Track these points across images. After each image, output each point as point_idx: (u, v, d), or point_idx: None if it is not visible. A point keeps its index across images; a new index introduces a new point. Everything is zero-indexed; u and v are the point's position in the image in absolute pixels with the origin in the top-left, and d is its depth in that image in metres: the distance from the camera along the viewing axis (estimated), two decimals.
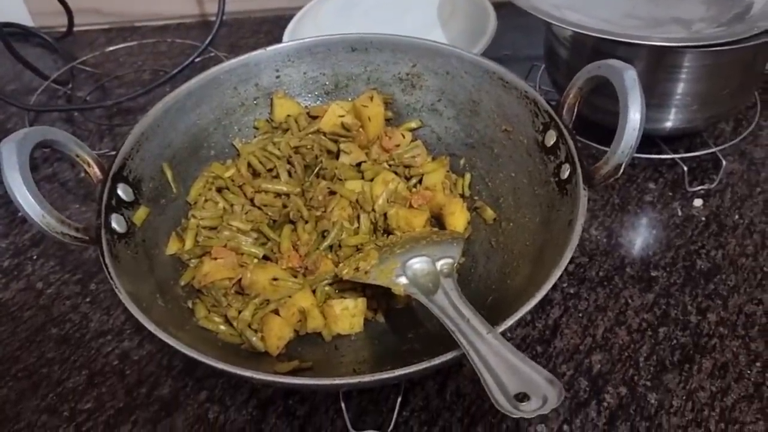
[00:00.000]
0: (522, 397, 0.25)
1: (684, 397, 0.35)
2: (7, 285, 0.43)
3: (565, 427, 0.34)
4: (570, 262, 0.40)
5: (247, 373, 0.28)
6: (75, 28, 0.65)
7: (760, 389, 0.35)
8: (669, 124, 0.45)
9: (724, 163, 0.46)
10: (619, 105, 0.34)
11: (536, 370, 0.26)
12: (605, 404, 0.35)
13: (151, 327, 0.30)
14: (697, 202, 0.45)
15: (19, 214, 0.47)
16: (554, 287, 0.38)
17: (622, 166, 0.34)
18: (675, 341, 0.37)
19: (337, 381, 0.30)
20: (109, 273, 0.32)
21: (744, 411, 0.34)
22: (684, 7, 0.44)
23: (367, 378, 0.28)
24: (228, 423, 0.35)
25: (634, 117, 0.34)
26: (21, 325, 0.41)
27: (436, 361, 0.28)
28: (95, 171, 0.36)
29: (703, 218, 0.44)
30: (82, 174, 0.51)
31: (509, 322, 0.29)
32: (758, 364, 0.36)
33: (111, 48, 0.63)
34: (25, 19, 0.66)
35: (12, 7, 0.64)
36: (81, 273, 0.44)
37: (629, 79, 0.34)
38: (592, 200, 0.46)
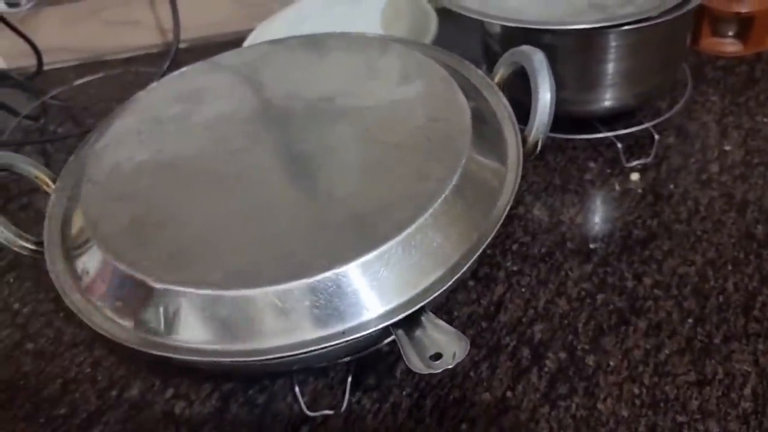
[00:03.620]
0: (436, 358, 0.27)
1: (620, 357, 0.37)
2: None
3: (509, 393, 0.36)
4: (513, 242, 0.42)
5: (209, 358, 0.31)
6: (45, 67, 0.68)
7: (692, 343, 0.37)
8: (602, 104, 0.47)
9: (657, 137, 0.48)
10: (530, 86, 0.36)
11: (446, 331, 0.28)
12: (546, 369, 0.37)
13: (100, 330, 0.32)
14: (634, 176, 0.47)
15: None
16: (498, 266, 0.41)
17: (539, 144, 0.36)
18: (612, 306, 0.39)
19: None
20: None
21: (676, 364, 0.36)
22: None
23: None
24: (194, 416, 0.37)
25: (544, 96, 0.36)
26: None
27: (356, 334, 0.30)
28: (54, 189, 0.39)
29: (640, 190, 0.46)
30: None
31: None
32: (690, 320, 0.38)
33: (80, 81, 0.66)
34: None
35: None
36: (55, 291, 0.46)
37: (537, 61, 0.36)
38: (535, 183, 0.48)
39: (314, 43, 0.46)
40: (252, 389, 0.38)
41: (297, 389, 0.36)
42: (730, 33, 0.56)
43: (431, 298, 0.30)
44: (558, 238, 0.44)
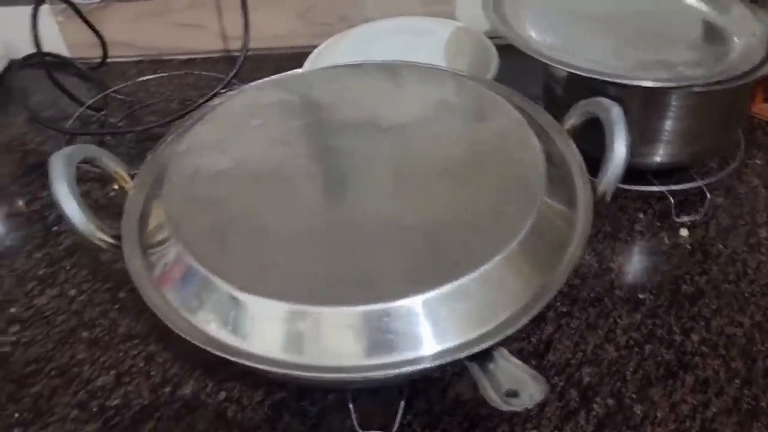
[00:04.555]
0: (512, 394, 0.28)
1: (667, 409, 0.38)
2: (43, 291, 0.47)
3: None
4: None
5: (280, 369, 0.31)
6: (108, 60, 0.70)
7: (739, 403, 0.38)
8: (657, 159, 0.49)
9: (709, 196, 0.49)
10: (605, 139, 0.38)
11: (523, 369, 0.29)
12: (593, 413, 0.38)
13: (176, 329, 0.33)
14: (683, 232, 0.48)
15: (54, 228, 0.52)
16: (548, 306, 0.42)
17: (608, 194, 0.38)
18: (660, 358, 0.40)
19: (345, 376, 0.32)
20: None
21: (723, 423, 0.37)
22: (668, 50, 0.48)
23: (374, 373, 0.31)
24: (245, 421, 0.38)
25: (619, 149, 0.37)
26: (54, 328, 0.44)
27: (439, 361, 0.31)
28: (131, 185, 0.40)
29: (689, 246, 0.47)
30: (112, 193, 0.55)
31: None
32: (737, 381, 0.39)
33: (142, 78, 0.68)
34: (61, 50, 0.71)
35: (49, 38, 0.68)
36: (111, 282, 0.47)
37: (615, 115, 0.37)
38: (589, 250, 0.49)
39: (390, 70, 0.47)
40: (305, 400, 0.39)
41: (351, 405, 0.37)
42: None
43: (505, 335, 0.31)
44: (607, 284, 0.45)
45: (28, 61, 0.64)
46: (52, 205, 0.36)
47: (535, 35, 0.50)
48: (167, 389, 0.40)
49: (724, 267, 0.46)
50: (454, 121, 0.42)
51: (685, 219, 0.49)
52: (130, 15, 0.70)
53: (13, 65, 0.70)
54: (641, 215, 0.50)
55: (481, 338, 0.31)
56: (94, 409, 0.39)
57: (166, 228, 0.36)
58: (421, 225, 0.35)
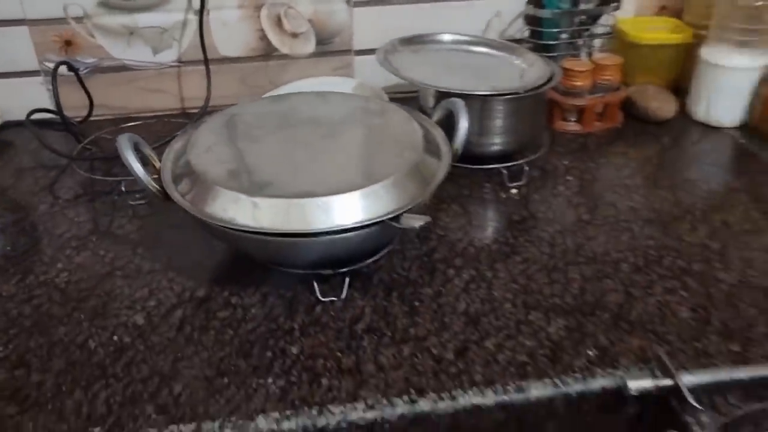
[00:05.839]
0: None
1: (506, 273, 0.62)
2: (79, 252, 0.65)
3: (441, 288, 0.60)
4: (444, 217, 0.67)
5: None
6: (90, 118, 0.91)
7: (547, 266, 0.63)
8: (494, 147, 0.76)
9: (527, 170, 0.77)
10: (455, 119, 0.64)
11: (414, 219, 0.53)
12: (463, 276, 0.61)
13: (199, 215, 0.54)
14: (513, 191, 0.75)
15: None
16: (430, 229, 0.66)
17: (459, 150, 0.63)
18: (502, 248, 0.65)
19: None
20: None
21: (536, 277, 0.62)
22: (494, 80, 0.77)
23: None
24: (244, 304, 0.58)
25: (462, 124, 0.64)
26: (95, 273, 0.63)
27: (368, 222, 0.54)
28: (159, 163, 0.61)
29: (517, 198, 0.74)
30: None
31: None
32: (545, 256, 0.64)
33: (121, 126, 0.89)
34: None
35: (42, 100, 0.89)
36: (130, 244, 0.66)
37: (460, 105, 0.64)
38: (452, 192, 0.75)
39: (321, 95, 0.73)
40: (282, 289, 0.60)
41: (315, 284, 0.59)
42: (572, 118, 0.89)
43: (404, 210, 0.54)
44: (468, 219, 0.70)
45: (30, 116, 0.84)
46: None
47: (413, 75, 0.77)
48: (186, 294, 0.60)
49: (539, 206, 0.72)
50: (368, 117, 0.68)
51: (514, 184, 0.76)
52: (107, 83, 0.92)
53: (6, 125, 0.89)
54: (487, 184, 0.76)
55: (392, 212, 0.54)
56: (138, 308, 0.58)
57: (194, 174, 0.58)
58: (353, 161, 0.59)
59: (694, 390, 0.48)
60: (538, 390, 0.49)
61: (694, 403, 0.46)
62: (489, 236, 0.68)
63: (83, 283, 0.61)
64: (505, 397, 0.49)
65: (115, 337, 0.55)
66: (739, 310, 0.57)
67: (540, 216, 0.71)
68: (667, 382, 0.48)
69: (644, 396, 0.49)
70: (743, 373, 0.49)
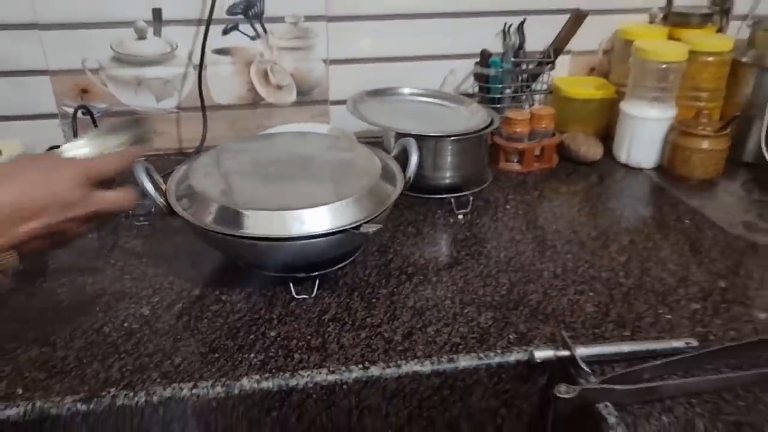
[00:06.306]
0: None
1: (448, 278, 0.76)
2: (95, 261, 0.78)
3: (394, 289, 0.73)
4: (402, 237, 0.81)
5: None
6: None
7: (485, 274, 0.77)
8: (445, 181, 0.91)
9: (472, 200, 0.91)
10: (408, 155, 0.79)
11: (370, 226, 0.67)
12: (413, 281, 0.75)
13: (199, 223, 0.67)
14: (460, 217, 0.89)
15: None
16: (389, 246, 0.80)
17: (411, 178, 0.78)
18: (446, 259, 0.79)
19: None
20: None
21: (473, 281, 0.75)
22: (443, 122, 0.93)
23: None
24: (233, 301, 0.71)
25: (414, 158, 0.78)
26: (106, 276, 0.75)
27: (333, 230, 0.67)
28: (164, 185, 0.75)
29: (463, 222, 0.88)
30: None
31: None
32: (486, 270, 0.78)
33: None
34: None
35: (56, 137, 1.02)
36: (135, 256, 0.79)
37: (411, 143, 0.79)
38: (409, 218, 0.89)
39: (300, 134, 0.88)
40: (263, 289, 0.73)
41: (291, 284, 0.72)
42: (514, 159, 1.04)
43: (361, 222, 0.68)
44: (422, 239, 0.84)
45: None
46: None
47: (377, 120, 0.92)
48: (184, 293, 0.72)
49: (479, 229, 0.87)
50: (337, 152, 0.82)
51: (461, 211, 0.90)
52: None
53: None
54: (439, 211, 0.91)
55: (353, 222, 0.68)
56: (144, 302, 0.71)
57: (194, 192, 0.71)
58: (323, 183, 0.73)
59: (588, 361, 0.61)
60: (465, 361, 0.62)
61: (585, 367, 0.59)
62: (437, 251, 0.82)
63: (98, 285, 0.74)
64: (439, 367, 0.62)
65: (126, 324, 0.67)
66: (633, 306, 0.71)
67: (480, 236, 0.85)
68: (565, 353, 0.61)
69: (548, 364, 0.62)
70: (626, 347, 0.63)
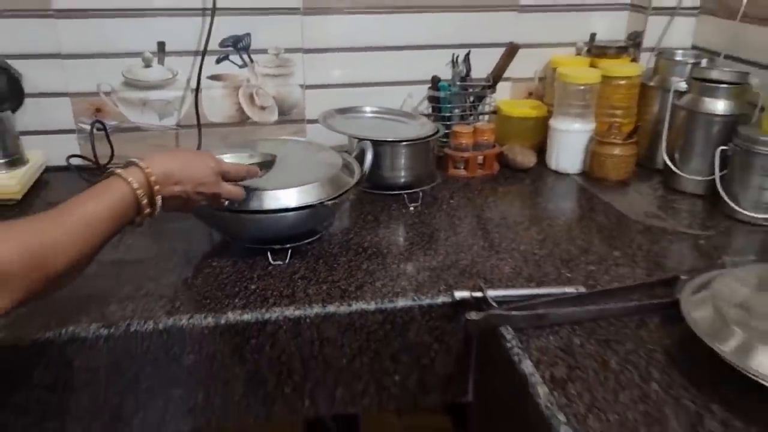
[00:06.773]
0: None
1: (394, 265, 0.94)
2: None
3: (353, 271, 0.91)
4: (361, 227, 1.00)
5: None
6: (108, 166, 1.23)
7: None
8: (400, 180, 1.10)
9: (421, 194, 1.10)
10: (365, 153, 0.98)
11: (338, 203, 0.85)
12: (366, 264, 0.93)
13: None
14: (411, 209, 1.08)
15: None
16: (347, 233, 0.98)
17: (366, 173, 0.97)
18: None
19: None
20: None
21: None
22: (397, 132, 1.12)
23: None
24: (220, 267, 0.89)
25: (369, 156, 0.98)
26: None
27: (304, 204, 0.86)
28: None
29: (414, 213, 1.07)
30: None
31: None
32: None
33: None
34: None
35: (74, 149, 1.21)
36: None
37: (367, 144, 0.98)
38: (370, 210, 1.07)
39: (283, 142, 1.07)
40: (247, 257, 0.90)
41: (269, 254, 0.89)
42: (461, 166, 1.23)
43: (325, 201, 0.87)
44: (379, 226, 1.02)
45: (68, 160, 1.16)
46: None
47: (343, 130, 1.12)
48: (182, 260, 0.90)
49: (426, 217, 1.05)
50: (308, 153, 1.01)
51: (412, 204, 1.09)
52: (125, 139, 1.24)
53: (48, 169, 1.21)
54: (394, 204, 1.09)
55: (319, 200, 0.87)
56: (152, 264, 0.88)
57: None
58: (295, 172, 0.92)
59: (497, 301, 0.79)
60: (402, 302, 0.80)
61: (493, 303, 0.77)
62: (390, 233, 1.00)
63: (112, 255, 0.91)
64: (382, 305, 0.80)
65: (134, 282, 0.85)
66: (542, 268, 0.89)
67: (427, 222, 1.04)
68: (479, 293, 0.79)
69: (466, 303, 0.80)
70: (527, 291, 0.81)
